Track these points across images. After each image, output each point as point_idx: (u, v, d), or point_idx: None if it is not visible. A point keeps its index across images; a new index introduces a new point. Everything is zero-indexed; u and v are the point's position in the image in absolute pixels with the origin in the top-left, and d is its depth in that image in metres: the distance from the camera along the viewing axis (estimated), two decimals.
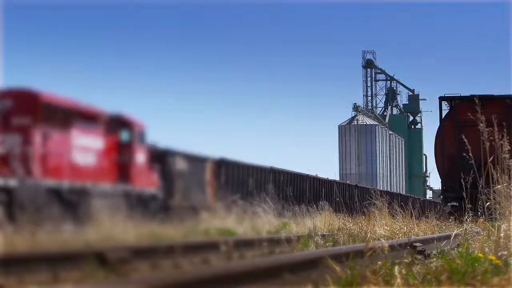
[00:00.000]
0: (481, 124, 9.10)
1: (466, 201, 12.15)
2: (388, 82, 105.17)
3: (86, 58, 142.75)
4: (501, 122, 10.02)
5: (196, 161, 21.22)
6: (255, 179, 26.61)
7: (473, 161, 9.95)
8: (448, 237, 10.94)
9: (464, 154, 10.02)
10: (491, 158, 9.18)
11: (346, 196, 34.93)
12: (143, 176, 18.66)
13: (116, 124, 18.07)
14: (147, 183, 18.74)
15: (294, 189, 29.53)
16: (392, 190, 72.48)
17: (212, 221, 16.83)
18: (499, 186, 9.28)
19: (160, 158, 19.51)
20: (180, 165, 20.19)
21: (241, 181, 25.25)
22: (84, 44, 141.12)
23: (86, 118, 16.67)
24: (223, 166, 23.73)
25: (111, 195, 16.78)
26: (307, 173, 32.76)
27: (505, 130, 9.85)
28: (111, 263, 8.28)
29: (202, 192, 21.22)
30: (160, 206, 18.42)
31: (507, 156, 9.16)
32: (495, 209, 9.51)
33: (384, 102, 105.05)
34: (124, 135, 18.45)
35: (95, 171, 16.76)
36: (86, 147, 16.53)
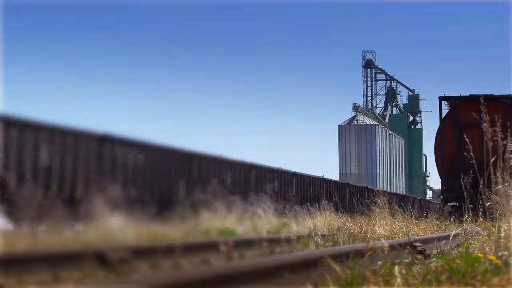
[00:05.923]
0: (485, 124, 9.13)
1: (466, 201, 12.15)
2: (388, 82, 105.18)
3: None
4: (502, 121, 10.05)
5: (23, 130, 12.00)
6: (147, 162, 15.76)
7: (474, 161, 9.96)
8: (448, 237, 10.93)
9: (465, 153, 10.03)
10: (494, 158, 9.20)
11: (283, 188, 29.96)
12: None
13: None
14: None
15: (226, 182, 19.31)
16: (392, 190, 72.40)
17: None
18: (500, 186, 9.29)
19: None
20: None
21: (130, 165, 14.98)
22: None
23: None
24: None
25: None
26: (249, 162, 22.33)
27: (508, 130, 9.87)
28: (111, 263, 8.27)
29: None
30: None
31: (511, 156, 9.18)
32: (495, 209, 9.51)
33: (384, 102, 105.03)
34: None
35: None
36: None
